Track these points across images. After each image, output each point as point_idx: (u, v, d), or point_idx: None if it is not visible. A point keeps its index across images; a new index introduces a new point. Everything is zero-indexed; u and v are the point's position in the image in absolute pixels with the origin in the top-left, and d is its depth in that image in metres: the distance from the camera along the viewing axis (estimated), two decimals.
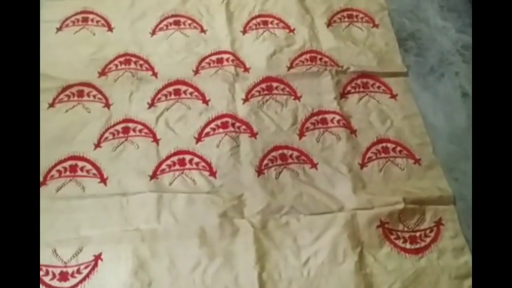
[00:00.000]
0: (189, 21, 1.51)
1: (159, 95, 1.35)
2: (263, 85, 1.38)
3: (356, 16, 1.57)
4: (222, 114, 1.32)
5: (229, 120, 1.31)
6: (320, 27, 1.53)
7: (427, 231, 1.14)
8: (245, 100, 1.35)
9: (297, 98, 1.37)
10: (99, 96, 1.33)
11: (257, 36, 1.49)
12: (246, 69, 1.42)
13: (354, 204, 1.16)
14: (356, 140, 1.30)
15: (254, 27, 1.52)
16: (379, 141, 1.30)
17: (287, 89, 1.39)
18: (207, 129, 1.30)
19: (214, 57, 1.44)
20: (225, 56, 1.44)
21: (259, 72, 1.41)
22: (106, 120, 1.29)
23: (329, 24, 1.54)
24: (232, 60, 1.42)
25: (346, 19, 1.56)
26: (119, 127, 1.29)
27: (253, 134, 1.29)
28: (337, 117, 1.34)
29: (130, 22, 1.50)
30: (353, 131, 1.31)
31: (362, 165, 1.25)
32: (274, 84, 1.39)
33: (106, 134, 1.27)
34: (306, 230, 1.13)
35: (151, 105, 1.33)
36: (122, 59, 1.41)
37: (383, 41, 1.51)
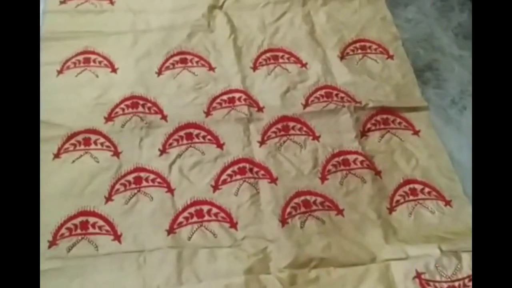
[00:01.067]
0: (196, 59, 1.44)
1: (170, 140, 1.27)
2: (279, 125, 1.31)
3: (369, 47, 1.52)
4: (239, 159, 1.25)
5: (247, 165, 1.24)
6: (333, 60, 1.47)
7: (466, 280, 1.07)
8: (262, 142, 1.28)
9: (316, 138, 1.30)
10: (107, 143, 1.24)
11: (269, 72, 1.43)
12: (260, 109, 1.35)
13: (387, 254, 1.09)
14: (382, 182, 1.23)
15: (264, 62, 1.45)
16: (406, 182, 1.23)
17: (305, 128, 1.32)
18: (224, 176, 1.22)
19: (225, 97, 1.37)
20: (236, 95, 1.37)
21: (274, 111, 1.34)
22: (116, 170, 1.20)
23: (342, 57, 1.48)
24: (245, 99, 1.35)
25: (359, 51, 1.51)
26: (130, 178, 1.20)
27: (273, 180, 1.21)
28: (360, 158, 1.27)
29: (134, 62, 1.42)
30: (377, 172, 1.24)
31: (391, 210, 1.19)
32: (291, 124, 1.32)
33: (117, 186, 1.18)
34: (338, 285, 1.06)
35: (163, 151, 1.25)
36: (128, 102, 1.33)
37: (400, 73, 1.45)
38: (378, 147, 1.31)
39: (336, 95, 1.39)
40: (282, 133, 1.31)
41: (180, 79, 1.39)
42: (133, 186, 1.19)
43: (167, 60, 1.43)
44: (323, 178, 1.23)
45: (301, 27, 1.54)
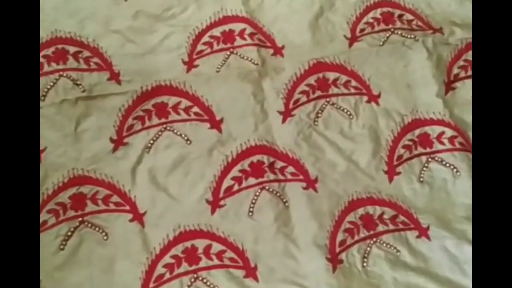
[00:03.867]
0: None
1: (130, 120, 0.74)
2: (312, 79, 0.78)
3: None
4: (250, 147, 0.73)
5: (264, 157, 0.73)
6: None
7: None
8: (286, 113, 0.75)
9: (373, 98, 0.78)
10: None
11: None
12: (278, 50, 0.80)
13: None
14: None
15: None
16: None
17: (354, 82, 0.79)
18: (228, 181, 0.72)
19: (217, 30, 0.80)
20: (236, 26, 0.81)
21: (301, 53, 0.80)
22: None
23: None
24: (251, 34, 0.79)
25: None
26: (64, 197, 0.69)
27: (310, 182, 0.72)
28: (449, 132, 0.76)
29: None
30: None
31: None
32: (331, 75, 0.79)
33: (44, 215, 0.67)
34: None
35: (118, 142, 0.72)
36: (49, 50, 0.76)
37: None
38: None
39: (400, 17, 0.84)
40: (318, 93, 0.77)
41: (135, 1, 0.80)
42: (71, 213, 0.68)
43: None
44: (390, 172, 0.74)
45: None
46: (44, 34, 0.76)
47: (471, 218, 0.71)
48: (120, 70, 0.76)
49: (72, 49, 0.76)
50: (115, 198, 0.69)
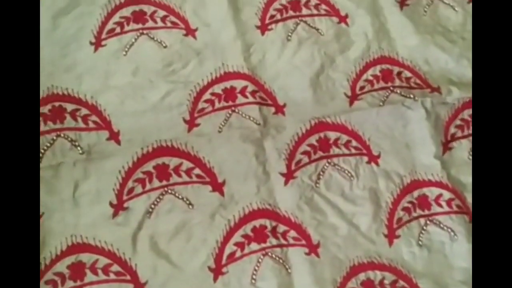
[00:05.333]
0: (162, 13, 0.81)
1: (130, 183, 0.72)
2: (314, 139, 0.78)
3: None
4: (252, 211, 0.73)
5: (267, 222, 0.72)
6: (388, 7, 0.89)
7: None
8: (288, 175, 0.75)
9: (373, 159, 0.78)
10: None
11: (287, 34, 0.84)
12: (279, 108, 0.79)
13: None
14: None
15: (278, 15, 0.85)
16: None
17: (354, 142, 0.79)
18: (230, 247, 0.71)
19: (218, 88, 0.79)
20: (238, 83, 0.80)
21: (302, 111, 0.80)
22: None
23: (402, 3, 0.89)
24: (253, 93, 0.78)
25: None
26: (61, 267, 0.68)
27: (312, 248, 0.72)
28: (447, 194, 0.78)
29: (50, 20, 0.78)
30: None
31: None
32: (332, 135, 0.79)
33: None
34: None
35: (118, 207, 0.70)
36: (46, 108, 0.73)
37: None
38: (469, 168, 0.80)
39: (399, 74, 0.85)
40: (320, 153, 0.77)
41: (135, 56, 0.78)
42: (69, 284, 0.66)
43: (108, 16, 0.79)
44: (391, 235, 0.74)
45: None
46: (40, 90, 0.73)
47: (469, 282, 0.73)
48: (119, 129, 0.74)
49: (69, 106, 0.74)
50: (115, 267, 0.67)
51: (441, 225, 0.76)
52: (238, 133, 0.76)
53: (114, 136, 0.73)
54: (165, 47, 0.79)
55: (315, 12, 0.86)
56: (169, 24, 0.81)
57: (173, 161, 0.73)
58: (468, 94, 0.82)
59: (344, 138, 0.79)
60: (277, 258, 0.71)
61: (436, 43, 0.87)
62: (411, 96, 0.82)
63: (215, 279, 0.69)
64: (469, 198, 0.78)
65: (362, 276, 0.72)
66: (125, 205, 0.70)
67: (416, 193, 0.78)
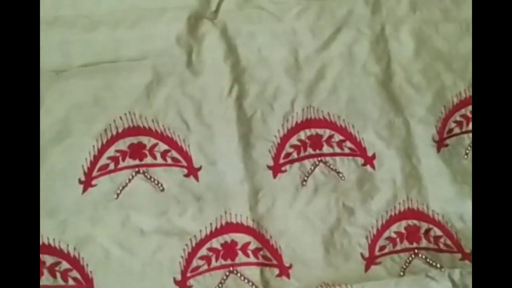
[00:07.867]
0: (164, 146, 0.72)
1: None
2: None
3: None
4: None
5: None
6: (423, 148, 0.77)
7: None
8: None
9: None
10: None
11: (302, 178, 0.74)
12: (284, 270, 0.70)
13: None
14: None
15: (295, 154, 0.75)
16: None
17: None
18: None
19: (217, 242, 0.70)
20: (240, 238, 0.70)
21: (311, 274, 0.71)
22: None
23: (440, 142, 0.78)
24: (256, 251, 0.69)
25: (466, 127, 0.80)
26: None
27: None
28: None
29: None
30: None
31: None
32: None
33: None
34: None
35: None
36: None
37: None
38: None
39: (427, 233, 0.74)
40: None
41: (127, 200, 0.70)
42: None
43: (103, 150, 0.71)
44: None
45: (369, 67, 0.79)
46: None
47: None
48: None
49: (48, 260, 0.66)
50: None
51: None
52: None
53: None
54: (162, 190, 0.70)
55: (338, 150, 0.76)
56: (169, 161, 0.72)
57: None
58: None
59: None
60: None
61: None
62: (438, 265, 0.71)
63: None
64: None
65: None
66: None
67: None
